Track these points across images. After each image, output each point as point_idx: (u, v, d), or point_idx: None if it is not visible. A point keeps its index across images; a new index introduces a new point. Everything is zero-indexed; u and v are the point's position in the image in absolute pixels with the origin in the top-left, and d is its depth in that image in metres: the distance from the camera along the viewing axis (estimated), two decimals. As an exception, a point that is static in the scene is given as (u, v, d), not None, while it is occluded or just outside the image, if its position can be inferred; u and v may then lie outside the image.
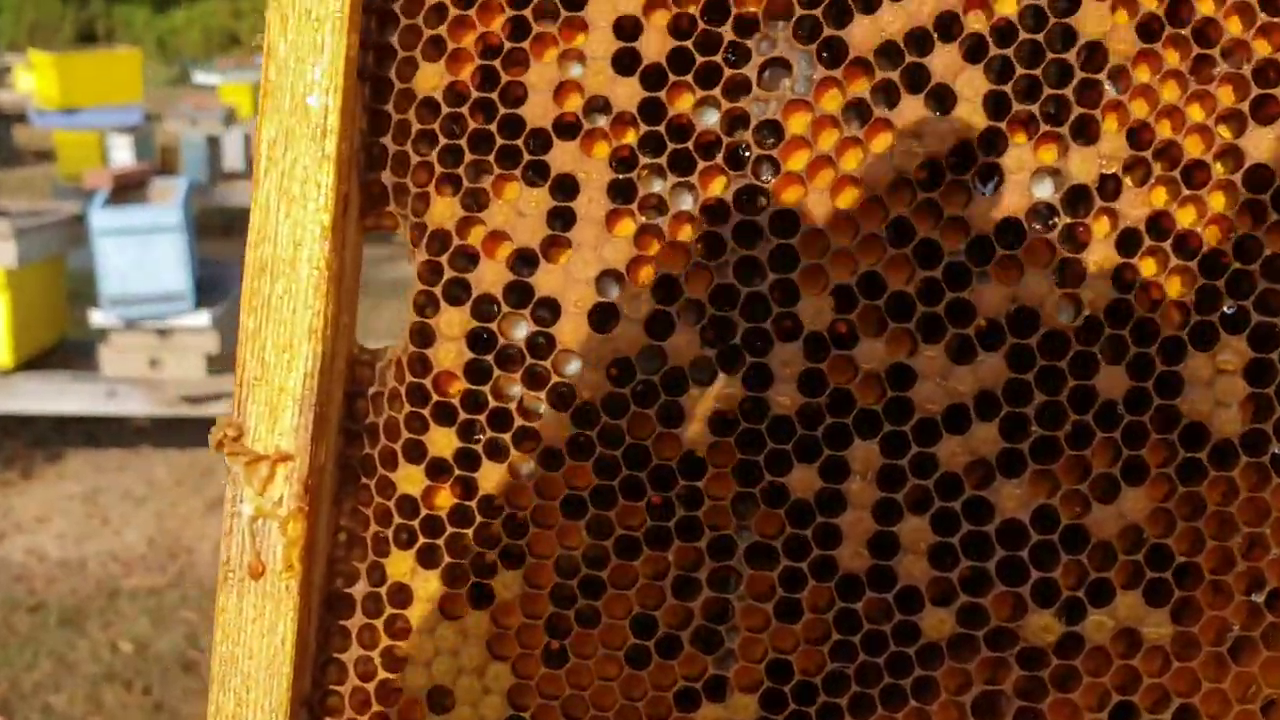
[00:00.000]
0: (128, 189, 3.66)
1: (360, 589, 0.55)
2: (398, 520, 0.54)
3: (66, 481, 3.63)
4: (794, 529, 0.52)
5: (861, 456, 0.51)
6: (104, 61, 7.08)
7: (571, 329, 0.52)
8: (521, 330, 0.53)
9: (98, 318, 3.40)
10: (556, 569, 0.54)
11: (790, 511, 0.52)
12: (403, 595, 0.54)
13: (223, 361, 3.50)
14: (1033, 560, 0.51)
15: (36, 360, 3.58)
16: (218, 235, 6.57)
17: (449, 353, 0.53)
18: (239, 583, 0.52)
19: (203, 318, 3.41)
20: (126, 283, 3.35)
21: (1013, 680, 0.51)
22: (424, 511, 0.54)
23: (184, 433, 4.06)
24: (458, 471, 0.54)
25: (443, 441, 0.54)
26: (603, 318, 0.52)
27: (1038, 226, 0.50)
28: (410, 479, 0.54)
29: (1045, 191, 0.50)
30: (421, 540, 0.54)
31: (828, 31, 0.50)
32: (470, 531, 0.54)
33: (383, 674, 0.54)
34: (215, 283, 3.61)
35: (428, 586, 0.54)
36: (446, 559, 0.54)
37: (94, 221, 3.34)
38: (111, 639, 2.72)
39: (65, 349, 3.74)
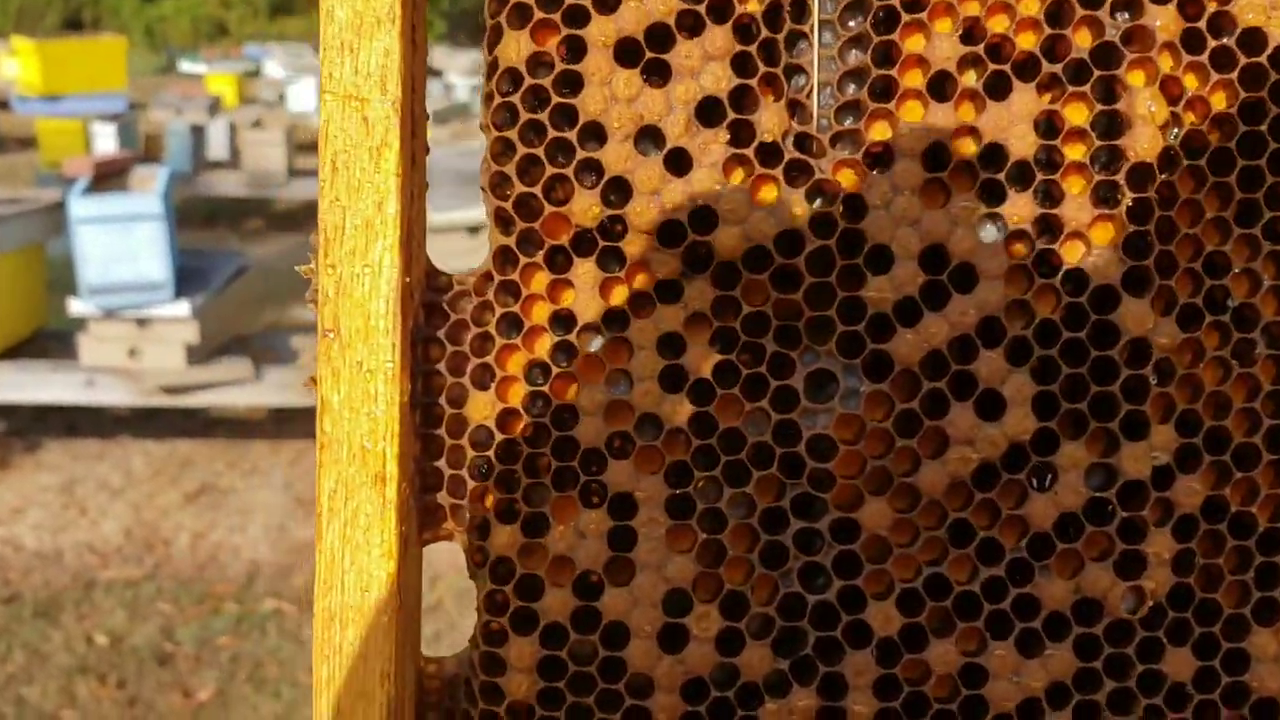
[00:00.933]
0: (108, 177, 3.64)
1: None
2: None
3: (44, 471, 3.61)
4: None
5: (939, 765, 0.52)
6: (88, 49, 7.06)
7: (641, 653, 0.53)
8: (591, 655, 0.53)
9: (77, 306, 3.36)
10: None
11: (871, 814, 0.52)
12: None
13: (202, 352, 3.45)
14: None
15: (14, 349, 3.56)
16: (201, 225, 6.58)
17: (521, 684, 0.53)
18: None
19: (183, 307, 3.37)
20: (106, 271, 3.31)
21: None
22: None
23: (163, 423, 3.97)
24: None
25: (521, 754, 0.54)
26: (673, 639, 0.53)
27: (1095, 520, 0.51)
28: (494, 793, 0.55)
29: (1098, 485, 0.51)
30: None
31: (871, 346, 0.51)
32: None
33: None
34: (196, 273, 3.59)
35: None
36: None
37: (73, 209, 3.31)
38: (86, 631, 2.70)
39: (44, 338, 3.71)
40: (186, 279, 3.48)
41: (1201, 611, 0.51)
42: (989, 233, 0.51)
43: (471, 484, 0.54)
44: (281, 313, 5.07)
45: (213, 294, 3.47)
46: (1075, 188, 0.50)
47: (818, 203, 0.51)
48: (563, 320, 0.53)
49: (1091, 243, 0.50)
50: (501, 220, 0.53)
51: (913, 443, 0.51)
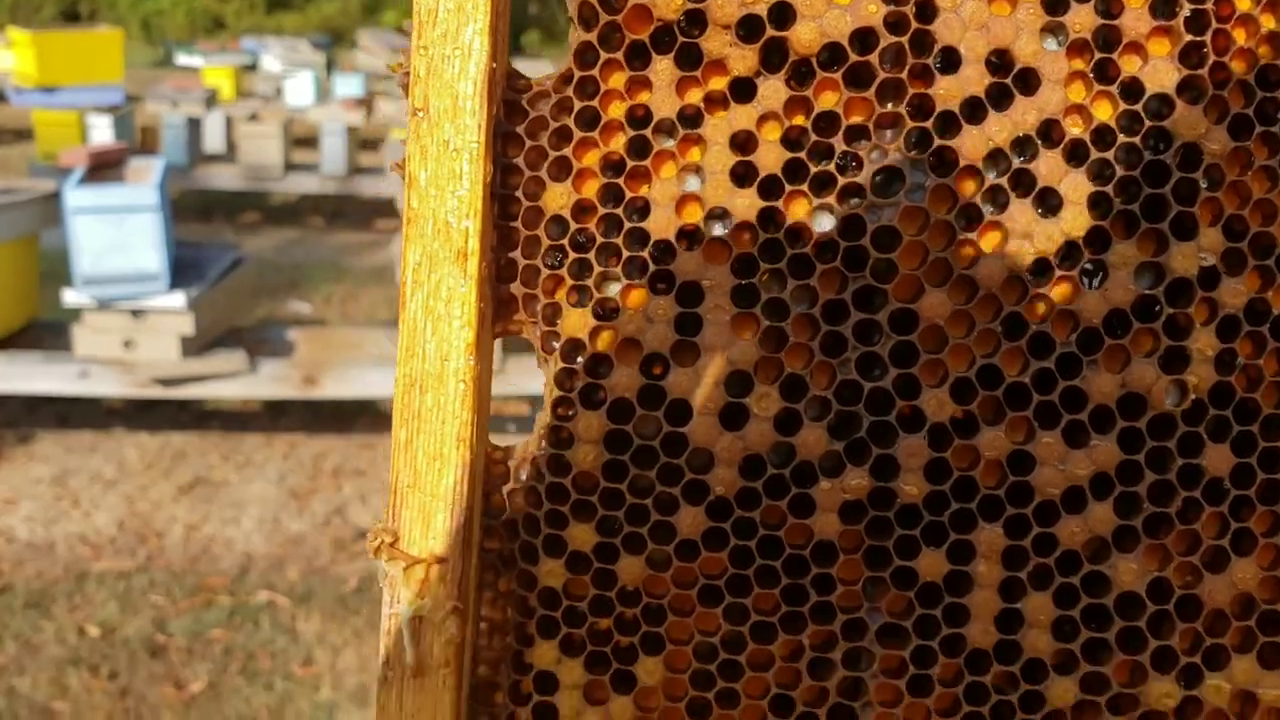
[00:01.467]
0: (104, 168, 3.60)
1: (504, 677, 0.58)
2: (540, 612, 0.57)
3: (36, 463, 3.59)
4: (924, 609, 0.55)
5: (986, 539, 0.54)
6: (84, 40, 7.05)
7: (703, 429, 0.55)
8: (655, 429, 0.56)
9: (71, 297, 3.33)
10: (695, 653, 0.56)
11: (920, 593, 0.55)
12: (547, 683, 0.57)
13: (196, 344, 3.43)
14: (1150, 629, 0.54)
15: (8, 340, 3.52)
16: (196, 218, 6.58)
17: (587, 455, 0.55)
18: (399, 681, 0.55)
19: (178, 299, 3.35)
20: (100, 262, 3.29)
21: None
22: (565, 603, 0.57)
23: (156, 415, 3.96)
24: (597, 564, 0.56)
25: (582, 537, 0.56)
26: (733, 418, 0.55)
27: (1142, 318, 0.53)
28: (551, 573, 0.57)
29: (1147, 284, 0.54)
30: (564, 630, 0.57)
31: (938, 142, 0.53)
32: (610, 620, 0.56)
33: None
34: (191, 264, 3.57)
35: (571, 673, 0.57)
36: (589, 647, 0.57)
37: (68, 199, 3.28)
38: (78, 622, 2.69)
39: (38, 329, 3.67)
40: (182, 271, 3.48)
41: (1241, 410, 0.54)
42: (1051, 43, 0.54)
43: (545, 273, 0.56)
44: (276, 306, 5.08)
45: (208, 286, 3.47)
46: (1135, 2, 0.53)
47: (892, 4, 0.53)
48: (638, 117, 0.55)
49: (1149, 53, 0.53)
50: (584, 18, 0.55)
51: (973, 235, 0.54)
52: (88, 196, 3.29)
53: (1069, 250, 0.54)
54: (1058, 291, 0.54)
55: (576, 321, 0.56)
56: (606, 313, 0.56)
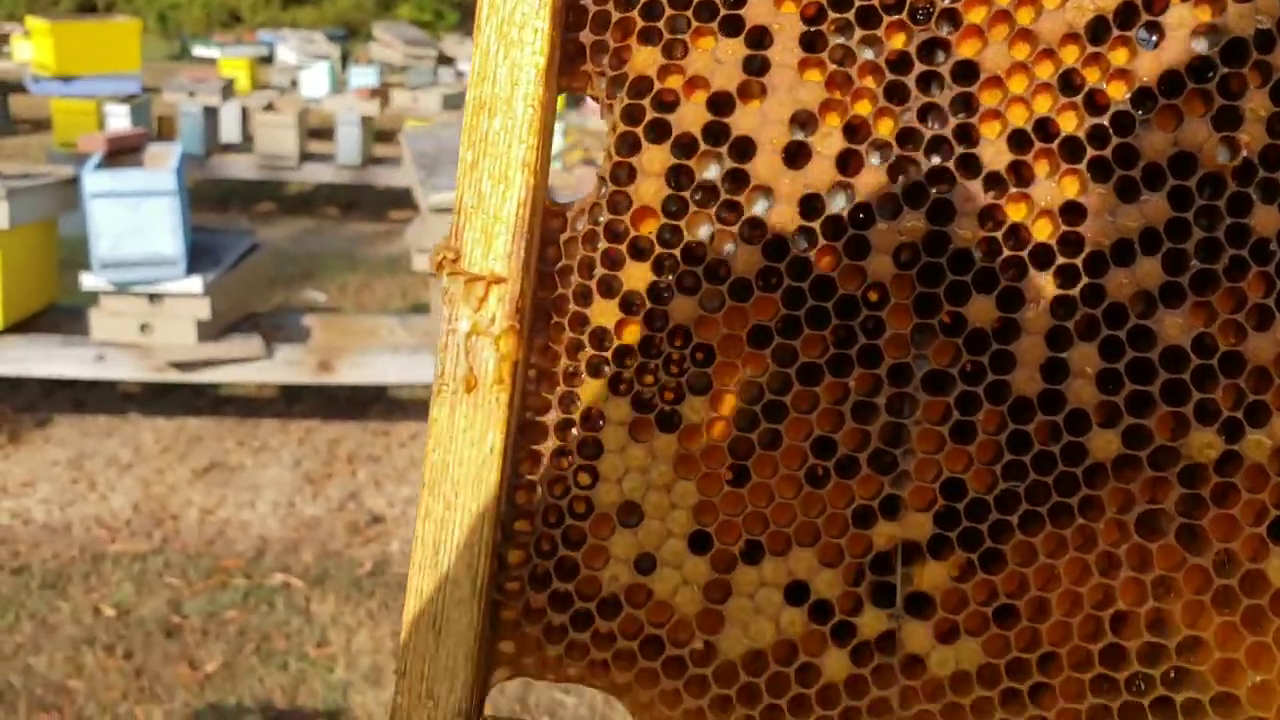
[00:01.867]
0: (122, 153, 3.62)
1: (552, 417, 0.58)
2: (590, 351, 0.58)
3: (53, 446, 3.60)
4: (970, 355, 0.56)
5: (1036, 286, 0.55)
6: (102, 30, 7.09)
7: (766, 166, 0.56)
8: (716, 169, 0.57)
9: (88, 281, 3.34)
10: (740, 395, 0.57)
11: (968, 340, 0.56)
12: (594, 419, 0.58)
13: (212, 329, 3.45)
14: (1193, 382, 0.55)
15: (26, 323, 3.52)
16: (213, 207, 6.60)
17: (650, 188, 0.57)
18: (452, 395, 0.55)
19: (195, 284, 3.36)
20: (118, 246, 3.30)
21: (1174, 499, 0.55)
22: (616, 342, 0.58)
23: (172, 400, 3.99)
24: (650, 305, 0.57)
25: (637, 275, 0.57)
26: (795, 155, 0.56)
27: (1196, 79, 0.55)
28: (604, 312, 0.58)
29: (1203, 46, 0.55)
30: (613, 369, 0.58)
31: (1006, -103, 0.55)
32: (660, 361, 0.57)
33: (576, 491, 0.57)
34: (207, 250, 3.58)
35: (618, 411, 0.58)
36: (637, 386, 0.58)
37: (87, 184, 3.30)
38: (94, 603, 2.70)
39: (55, 313, 3.68)
40: (198, 256, 3.49)
41: (1290, 174, 0.55)
42: None
43: (616, 14, 0.57)
44: (291, 295, 5.10)
45: (224, 271, 3.49)
46: None
47: None
48: None
49: None
50: None
51: (1037, -13, 0.55)
52: (106, 181, 3.31)
53: (1127, 11, 0.55)
54: (1116, 53, 0.55)
55: (645, 59, 0.57)
56: (675, 52, 0.57)
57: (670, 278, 0.57)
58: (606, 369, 0.58)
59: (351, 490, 3.45)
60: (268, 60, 10.02)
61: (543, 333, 0.59)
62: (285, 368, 3.54)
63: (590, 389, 0.58)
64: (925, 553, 0.56)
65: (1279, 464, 0.55)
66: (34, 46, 7.08)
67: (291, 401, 4.06)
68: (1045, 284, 0.55)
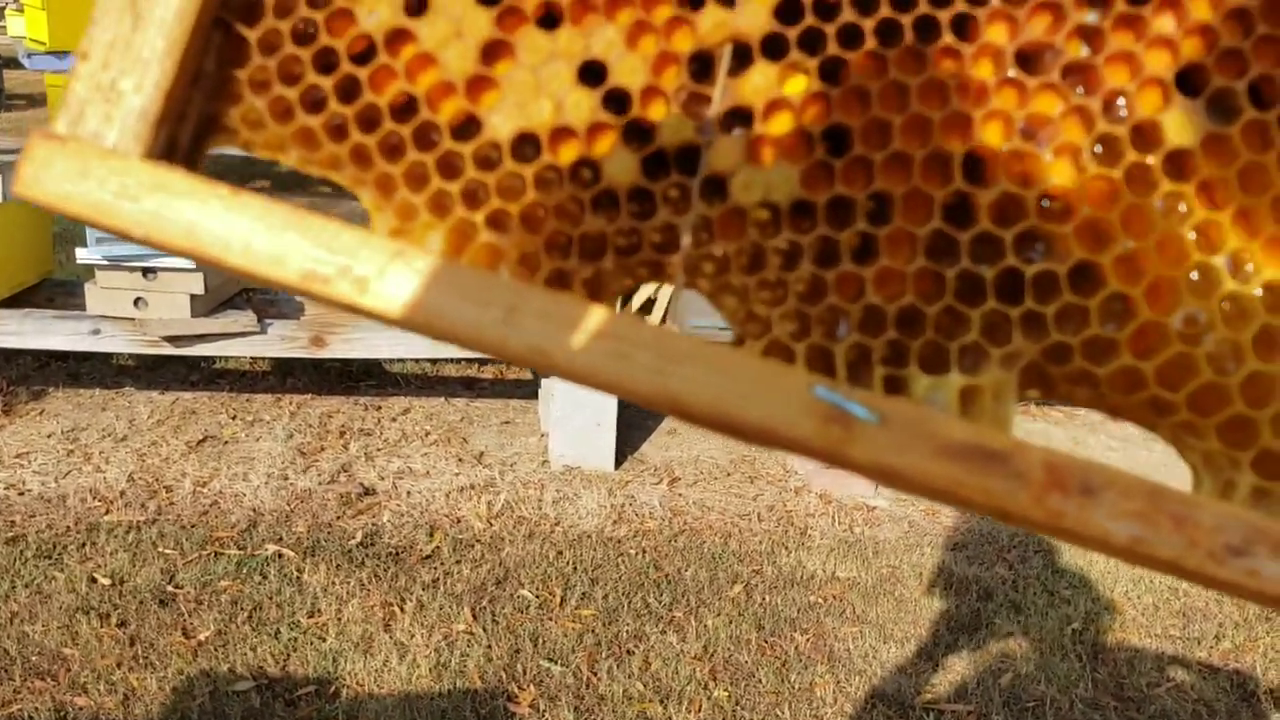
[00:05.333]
0: None
1: None
2: None
3: (48, 419, 3.65)
4: None
5: None
6: (94, 4, 7.04)
7: None
8: None
9: (83, 255, 3.35)
10: None
11: None
12: None
13: (206, 304, 3.47)
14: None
15: (21, 297, 3.54)
16: None
17: None
18: None
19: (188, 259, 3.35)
20: None
21: (1066, 30, 0.44)
22: None
23: (167, 373, 4.06)
24: None
25: None
26: None
27: None
28: None
29: None
30: None
31: None
32: None
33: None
34: None
35: None
36: None
37: None
38: (89, 572, 2.72)
39: (50, 287, 3.70)
40: None
41: None
42: None
43: None
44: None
45: None
46: None
47: None
48: None
49: None
50: None
51: None
52: None
53: None
54: None
55: None
56: None
57: None
58: None
59: (343, 463, 3.48)
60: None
61: None
62: (278, 342, 3.55)
63: None
64: (756, 52, 0.46)
65: (1203, 5, 0.44)
66: (27, 21, 7.03)
67: (284, 376, 4.12)
68: None
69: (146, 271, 3.36)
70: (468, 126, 0.46)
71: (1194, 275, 0.43)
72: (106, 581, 2.69)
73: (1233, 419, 0.43)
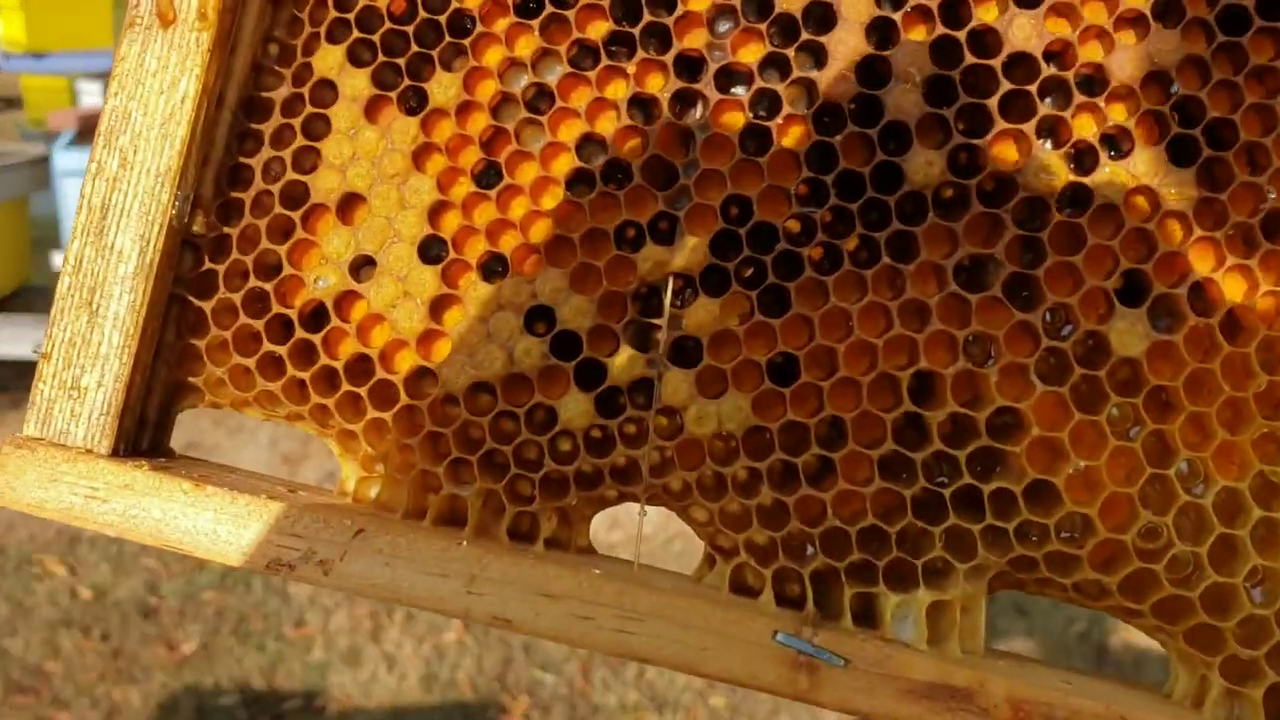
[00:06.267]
0: (94, 131, 3.63)
1: (282, 92, 0.49)
2: (333, 13, 0.48)
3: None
4: (775, 46, 0.45)
5: (859, -38, 0.45)
6: (72, 4, 7.07)
7: None
8: None
9: (59, 260, 3.34)
10: (499, 76, 0.47)
11: (774, 23, 0.45)
12: (326, 93, 0.48)
13: None
14: (1041, 96, 0.44)
15: None
16: None
17: None
18: (145, 30, 0.46)
19: None
20: None
21: (1006, 241, 0.44)
22: (362, 2, 0.48)
23: None
24: (407, -37, 0.48)
25: (395, -73, 0.48)
26: None
27: None
28: (353, -30, 0.48)
29: None
30: (355, 35, 0.48)
31: None
32: (411, 29, 0.47)
33: (291, 174, 0.48)
34: None
35: (354, 85, 0.48)
36: (380, 57, 0.48)
37: (58, 162, 3.24)
38: (71, 585, 2.69)
39: (28, 293, 3.62)
40: None
41: None
42: None
43: None
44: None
45: None
46: None
47: None
48: None
49: None
50: None
51: None
52: (78, 159, 3.23)
53: None
54: None
55: None
56: None
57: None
58: (349, 34, 0.48)
59: (329, 470, 3.47)
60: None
61: (291, 1, 0.50)
62: None
63: (327, 58, 0.48)
64: (698, 287, 0.46)
65: (1139, 208, 0.44)
66: (3, 22, 7.08)
67: (268, 381, 4.06)
68: (871, -38, 0.45)
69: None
70: (423, 378, 0.47)
71: (1149, 489, 0.43)
72: (88, 594, 2.63)
73: (1198, 627, 0.43)
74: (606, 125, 0.46)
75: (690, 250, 0.46)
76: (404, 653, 2.63)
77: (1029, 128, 0.44)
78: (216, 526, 0.43)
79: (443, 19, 0.47)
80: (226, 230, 0.48)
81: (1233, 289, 0.43)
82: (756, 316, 0.45)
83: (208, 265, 0.47)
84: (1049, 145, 0.44)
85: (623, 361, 0.46)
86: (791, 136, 0.45)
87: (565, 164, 0.47)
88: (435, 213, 0.47)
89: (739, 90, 0.46)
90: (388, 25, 0.47)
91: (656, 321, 0.46)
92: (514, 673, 2.50)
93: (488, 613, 0.42)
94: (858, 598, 0.45)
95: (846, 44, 0.44)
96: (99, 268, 0.45)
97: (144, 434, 0.47)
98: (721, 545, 0.46)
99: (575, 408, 0.46)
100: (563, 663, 2.63)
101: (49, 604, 2.61)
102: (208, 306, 0.47)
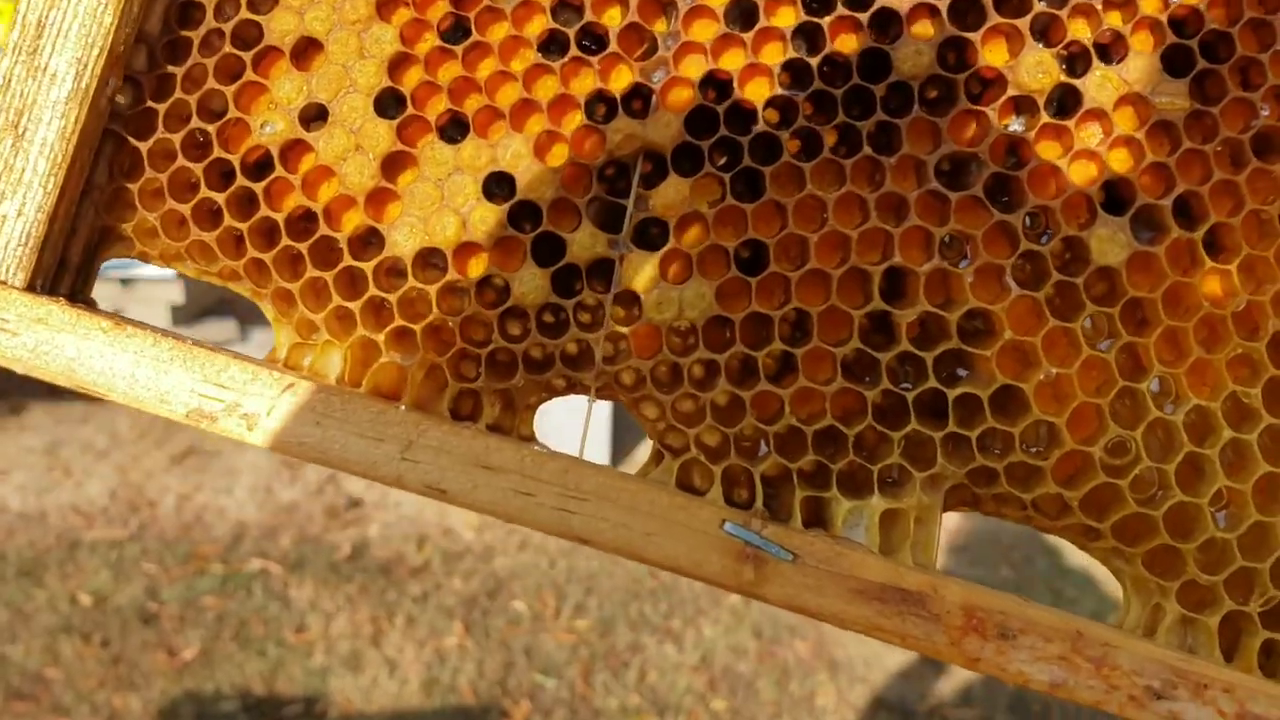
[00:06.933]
0: None
1: None
2: None
3: (28, 433, 3.57)
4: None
5: None
6: None
7: None
8: None
9: None
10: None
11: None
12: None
13: (187, 313, 3.40)
14: (1040, -8, 0.42)
15: None
16: None
17: None
18: None
19: (168, 268, 3.34)
20: None
21: (990, 141, 0.42)
22: None
23: None
24: None
25: None
26: None
27: None
28: None
29: None
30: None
31: None
32: None
33: (245, 14, 0.45)
34: None
35: None
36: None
37: None
38: (70, 591, 2.67)
39: None
40: None
41: None
42: None
43: None
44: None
45: None
46: None
47: None
48: None
49: None
50: None
51: None
52: None
53: None
54: None
55: None
56: None
57: None
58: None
59: (329, 474, 3.41)
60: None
61: None
62: (260, 352, 3.45)
63: None
64: (668, 167, 0.44)
65: (1129, 116, 0.42)
66: (4, 24, 6.96)
67: (268, 384, 4.03)
68: None
69: (125, 281, 3.26)
70: (370, 241, 0.44)
71: (1119, 403, 0.41)
72: (88, 600, 2.64)
73: (1158, 549, 0.41)
74: (585, -11, 0.44)
75: (664, 125, 0.43)
76: (405, 657, 2.61)
77: (1023, 24, 0.42)
78: (135, 369, 0.40)
79: None
80: (170, 69, 0.45)
81: (1218, 205, 0.42)
82: (728, 200, 0.43)
83: (148, 104, 0.44)
84: (1041, 45, 0.43)
85: (584, 239, 0.44)
86: (781, 17, 0.43)
87: (538, 25, 0.44)
88: (396, 65, 0.44)
89: (727, -38, 0.44)
90: None
91: (623, 202, 0.44)
92: (515, 677, 2.52)
93: (421, 481, 0.40)
94: (809, 501, 0.43)
95: (842, -80, 0.42)
96: (29, 89, 0.42)
97: (64, 276, 0.44)
98: (671, 444, 0.44)
99: (530, 282, 0.44)
100: (564, 666, 2.61)
101: (49, 610, 2.60)
102: (144, 147, 0.44)
